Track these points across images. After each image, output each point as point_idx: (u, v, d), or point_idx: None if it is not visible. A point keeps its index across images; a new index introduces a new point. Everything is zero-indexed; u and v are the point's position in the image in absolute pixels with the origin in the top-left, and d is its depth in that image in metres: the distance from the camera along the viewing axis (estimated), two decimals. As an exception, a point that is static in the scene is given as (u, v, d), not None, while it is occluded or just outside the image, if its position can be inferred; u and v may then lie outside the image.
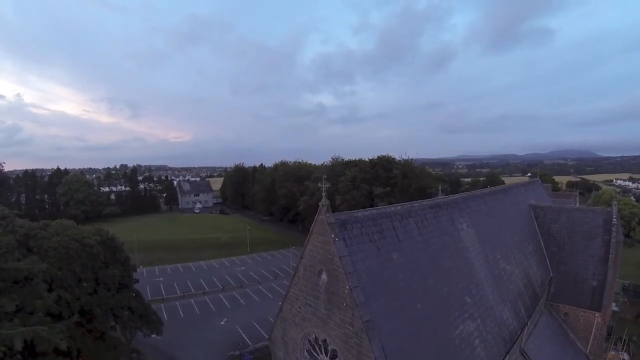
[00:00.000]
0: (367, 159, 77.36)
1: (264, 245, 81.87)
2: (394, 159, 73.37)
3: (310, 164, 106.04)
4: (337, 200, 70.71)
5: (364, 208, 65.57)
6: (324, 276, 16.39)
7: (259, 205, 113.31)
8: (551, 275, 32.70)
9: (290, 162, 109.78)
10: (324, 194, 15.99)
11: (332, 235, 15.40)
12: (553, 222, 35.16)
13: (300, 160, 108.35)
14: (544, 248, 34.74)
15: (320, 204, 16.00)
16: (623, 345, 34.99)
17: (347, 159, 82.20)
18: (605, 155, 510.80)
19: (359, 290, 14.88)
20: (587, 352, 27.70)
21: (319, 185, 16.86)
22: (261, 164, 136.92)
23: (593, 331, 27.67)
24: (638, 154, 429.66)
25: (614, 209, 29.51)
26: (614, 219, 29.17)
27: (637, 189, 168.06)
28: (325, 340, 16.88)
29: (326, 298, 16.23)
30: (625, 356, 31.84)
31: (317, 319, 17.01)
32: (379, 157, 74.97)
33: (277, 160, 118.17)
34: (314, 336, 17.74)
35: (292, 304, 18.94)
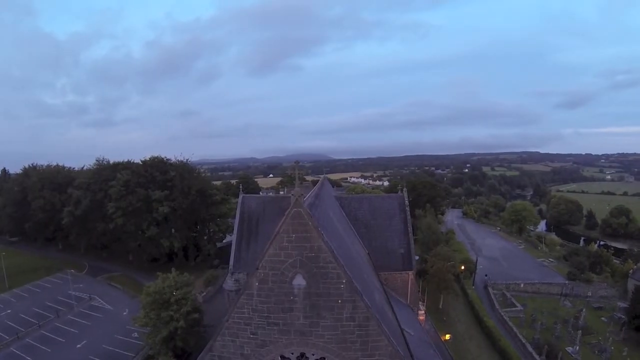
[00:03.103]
0: (139, 161, 69.24)
1: (26, 276, 60.53)
2: (168, 160, 68.77)
3: (70, 169, 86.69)
4: (110, 208, 60.13)
5: (142, 214, 62.65)
6: (299, 281, 14.26)
7: (6, 222, 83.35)
8: (367, 251, 40.17)
9: (42, 165, 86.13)
10: (297, 181, 14.02)
11: (319, 230, 13.80)
12: (358, 209, 42.58)
13: (58, 164, 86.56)
14: (354, 231, 42.11)
15: (291, 194, 13.95)
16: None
17: (113, 161, 70.94)
18: (337, 157, 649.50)
19: (353, 280, 14.04)
20: (408, 303, 36.13)
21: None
22: (4, 169, 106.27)
23: (409, 286, 36.37)
24: (365, 157, 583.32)
25: (405, 194, 40.02)
26: (406, 201, 39.53)
27: (369, 184, 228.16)
28: (303, 354, 14.63)
29: (308, 304, 14.18)
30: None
31: (290, 335, 14.52)
32: (151, 159, 68.35)
33: (25, 164, 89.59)
34: (279, 358, 14.95)
35: (237, 334, 15.14)
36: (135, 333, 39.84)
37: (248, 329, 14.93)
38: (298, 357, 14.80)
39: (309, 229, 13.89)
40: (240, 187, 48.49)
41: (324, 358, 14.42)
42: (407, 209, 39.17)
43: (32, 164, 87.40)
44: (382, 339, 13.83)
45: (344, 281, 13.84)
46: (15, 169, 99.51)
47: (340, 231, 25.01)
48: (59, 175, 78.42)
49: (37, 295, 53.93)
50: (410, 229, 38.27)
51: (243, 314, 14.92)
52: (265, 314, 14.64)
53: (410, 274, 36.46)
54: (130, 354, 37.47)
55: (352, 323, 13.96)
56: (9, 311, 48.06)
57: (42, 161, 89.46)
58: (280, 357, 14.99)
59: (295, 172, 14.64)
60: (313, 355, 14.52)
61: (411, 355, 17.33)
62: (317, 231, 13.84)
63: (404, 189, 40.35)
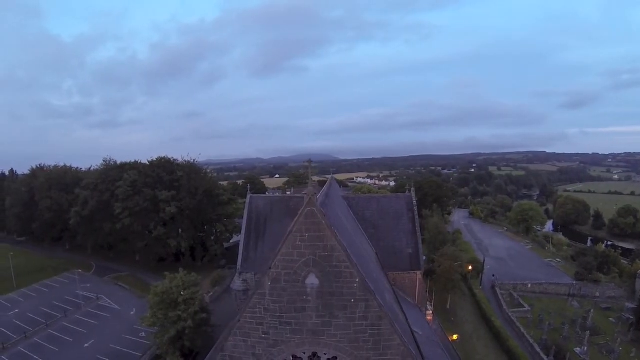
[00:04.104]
0: (146, 161, 69.81)
1: (33, 276, 61.03)
2: (175, 160, 69.18)
3: (78, 169, 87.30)
4: (117, 209, 60.54)
5: (149, 214, 63.18)
6: (312, 280, 14.29)
7: (13, 223, 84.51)
8: (375, 251, 40.11)
9: (50, 166, 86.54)
10: (310, 180, 14.06)
11: (332, 229, 13.82)
12: (365, 209, 42.45)
13: (65, 164, 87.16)
14: (362, 231, 42.06)
15: (304, 193, 13.97)
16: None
17: (120, 162, 71.56)
18: (342, 158, 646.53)
19: (366, 279, 14.05)
20: (416, 303, 36.02)
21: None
22: (12, 170, 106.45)
23: (417, 286, 36.26)
24: (370, 157, 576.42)
25: (413, 194, 39.91)
26: (414, 201, 39.42)
27: (375, 184, 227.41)
28: (315, 354, 14.66)
29: (321, 304, 14.20)
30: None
31: (302, 335, 14.55)
32: (158, 159, 68.82)
33: (31, 165, 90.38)
34: (291, 358, 14.98)
35: (249, 334, 15.17)
36: (143, 333, 40.06)
37: (260, 328, 14.96)
38: (310, 356, 14.83)
39: (322, 228, 13.92)
40: (249, 187, 48.52)
41: (336, 357, 14.44)
42: (415, 209, 39.04)
43: (39, 165, 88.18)
44: (395, 338, 13.82)
45: (357, 280, 13.85)
46: (22, 169, 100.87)
47: (350, 231, 25.05)
48: (67, 176, 79.07)
49: (45, 294, 54.43)
50: (418, 229, 38.13)
51: (255, 313, 14.95)
52: (278, 314, 14.67)
53: (418, 274, 36.36)
54: (137, 354, 37.70)
55: (364, 322, 13.96)
56: (16, 310, 48.52)
57: (48, 161, 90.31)
58: (292, 356, 15.02)
59: (309, 170, 14.65)
60: (325, 354, 14.54)
61: (421, 355, 17.29)
62: (330, 230, 13.86)
63: (412, 189, 40.20)
